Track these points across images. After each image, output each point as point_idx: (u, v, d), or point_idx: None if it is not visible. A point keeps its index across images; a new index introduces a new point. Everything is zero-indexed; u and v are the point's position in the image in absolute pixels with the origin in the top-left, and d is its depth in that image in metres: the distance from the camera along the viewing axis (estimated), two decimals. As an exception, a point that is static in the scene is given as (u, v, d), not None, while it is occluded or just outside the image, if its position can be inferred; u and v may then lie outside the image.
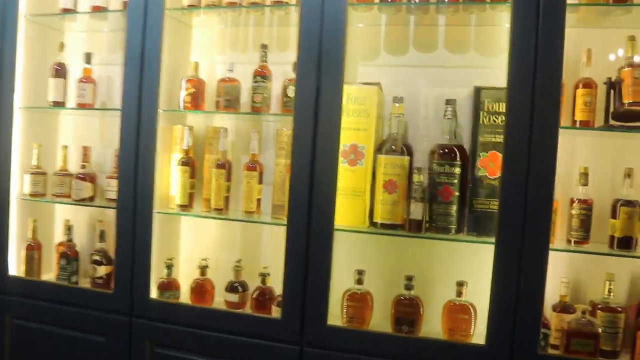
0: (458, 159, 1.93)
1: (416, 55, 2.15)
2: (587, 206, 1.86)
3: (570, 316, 1.84)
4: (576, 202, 1.87)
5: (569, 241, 1.88)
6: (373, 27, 2.18)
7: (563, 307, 1.90)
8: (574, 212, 1.87)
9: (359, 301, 1.96)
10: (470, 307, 1.87)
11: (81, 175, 2.28)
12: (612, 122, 1.84)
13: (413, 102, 2.10)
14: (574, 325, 1.78)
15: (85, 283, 2.29)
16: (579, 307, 1.82)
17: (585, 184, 1.88)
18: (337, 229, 1.88)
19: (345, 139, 1.92)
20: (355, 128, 1.96)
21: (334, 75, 1.86)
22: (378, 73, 2.14)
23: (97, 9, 2.26)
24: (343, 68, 1.85)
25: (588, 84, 1.86)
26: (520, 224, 1.72)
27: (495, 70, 1.98)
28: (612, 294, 1.86)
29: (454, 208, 1.92)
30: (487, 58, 2.09)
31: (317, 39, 1.87)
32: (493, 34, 2.08)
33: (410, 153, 1.97)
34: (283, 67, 2.17)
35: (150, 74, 2.06)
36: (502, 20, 2.04)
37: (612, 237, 1.83)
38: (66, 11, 2.30)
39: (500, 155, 1.84)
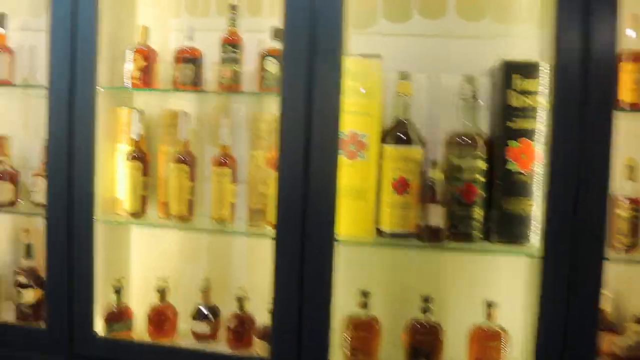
0: (482, 151, 1.55)
1: (421, 22, 1.75)
2: (637, 206, 1.54)
3: (619, 338, 1.52)
4: (624, 201, 1.54)
5: (613, 247, 1.55)
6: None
7: (607, 326, 1.58)
8: (621, 213, 1.54)
9: (364, 330, 1.56)
10: (502, 332, 1.52)
11: (-2, 175, 1.78)
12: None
13: (418, 79, 1.70)
14: (628, 351, 1.47)
15: (7, 312, 1.79)
16: (631, 326, 1.50)
17: (634, 179, 1.55)
18: (337, 240, 1.48)
19: (342, 125, 1.50)
20: (354, 111, 1.54)
21: (331, 44, 1.43)
22: (375, 43, 1.72)
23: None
24: (342, 35, 1.43)
25: (638, 58, 1.52)
26: (569, 229, 1.37)
27: (516, 40, 1.67)
28: (661, 307, 1.56)
29: (478, 210, 1.55)
30: (507, 25, 1.71)
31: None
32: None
33: (423, 143, 1.58)
34: (255, 35, 1.73)
35: (85, 41, 1.57)
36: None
37: (667, 242, 1.52)
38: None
39: (532, 144, 1.49)
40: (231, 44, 1.64)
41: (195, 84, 1.67)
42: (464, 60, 1.70)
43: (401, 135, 1.57)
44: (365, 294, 1.56)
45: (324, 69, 1.43)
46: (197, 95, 1.75)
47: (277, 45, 1.61)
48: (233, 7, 1.67)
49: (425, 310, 1.54)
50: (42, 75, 1.85)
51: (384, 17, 1.76)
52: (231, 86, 1.65)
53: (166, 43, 1.82)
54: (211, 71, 1.73)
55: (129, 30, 1.80)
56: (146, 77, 1.69)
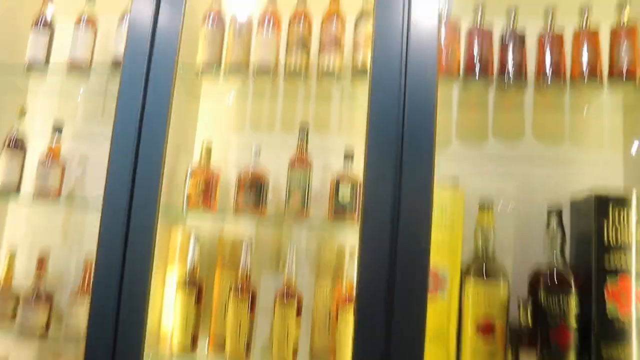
0: (574, 288, 1.40)
1: (497, 145, 1.66)
2: None
3: None
4: None
5: None
6: (442, 107, 1.68)
7: None
8: None
9: None
10: None
11: (33, 297, 1.62)
12: None
13: (495, 206, 1.59)
14: None
15: None
16: None
17: None
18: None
19: (421, 259, 1.36)
20: (433, 245, 1.41)
21: (421, 173, 1.32)
22: (448, 166, 1.63)
23: (75, 66, 1.70)
24: (434, 163, 1.33)
25: None
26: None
27: (598, 165, 1.60)
28: None
29: (573, 357, 1.38)
30: (588, 150, 1.63)
31: (397, 122, 1.34)
32: (590, 120, 1.63)
33: (508, 278, 1.44)
34: (324, 155, 1.64)
35: (149, 160, 1.47)
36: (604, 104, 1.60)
37: None
38: (33, 66, 1.72)
39: (632, 281, 1.35)
40: (301, 167, 1.54)
41: (258, 206, 1.55)
42: (544, 185, 1.61)
43: (484, 269, 1.42)
44: None
45: (412, 200, 1.31)
46: (259, 217, 1.63)
47: (350, 168, 1.52)
48: (303, 127, 1.58)
49: None
50: (89, 187, 1.77)
51: (457, 139, 1.68)
52: (298, 211, 1.52)
53: (227, 159, 1.74)
54: (276, 192, 1.62)
55: (187, 143, 1.72)
56: (207, 198, 1.58)
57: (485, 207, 1.46)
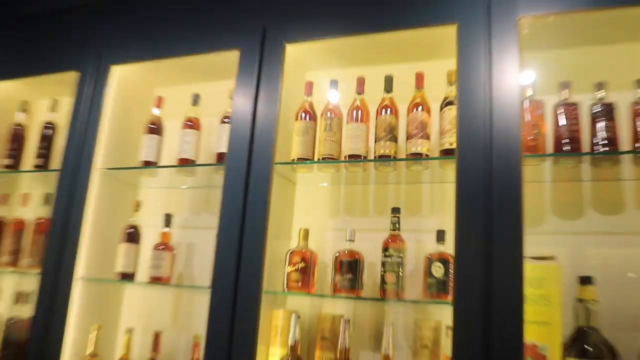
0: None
1: (595, 218, 1.74)
2: None
3: None
4: None
5: None
6: (536, 184, 1.80)
7: None
8: None
9: None
10: None
11: (150, 374, 1.86)
12: None
13: (598, 282, 1.65)
14: None
15: None
16: None
17: None
18: None
19: (519, 336, 1.45)
20: (532, 321, 1.50)
21: (511, 249, 1.45)
22: (544, 243, 1.71)
23: (185, 162, 2.01)
24: (522, 238, 1.45)
25: None
26: None
27: None
28: None
29: None
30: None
31: (484, 201, 1.49)
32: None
33: (615, 355, 1.48)
34: (415, 235, 1.80)
35: (252, 246, 1.69)
36: None
37: None
38: (148, 164, 2.06)
39: None
40: (394, 248, 1.70)
41: (354, 288, 1.71)
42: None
43: (587, 347, 1.48)
44: None
45: (503, 276, 1.43)
46: (356, 298, 1.79)
47: (442, 248, 1.66)
48: (395, 210, 1.75)
49: None
50: (196, 271, 2.03)
51: (553, 215, 1.77)
52: (394, 292, 1.67)
53: (323, 242, 1.93)
54: (370, 272, 1.78)
55: (285, 229, 1.93)
56: (307, 281, 1.76)
57: (585, 282, 1.54)
